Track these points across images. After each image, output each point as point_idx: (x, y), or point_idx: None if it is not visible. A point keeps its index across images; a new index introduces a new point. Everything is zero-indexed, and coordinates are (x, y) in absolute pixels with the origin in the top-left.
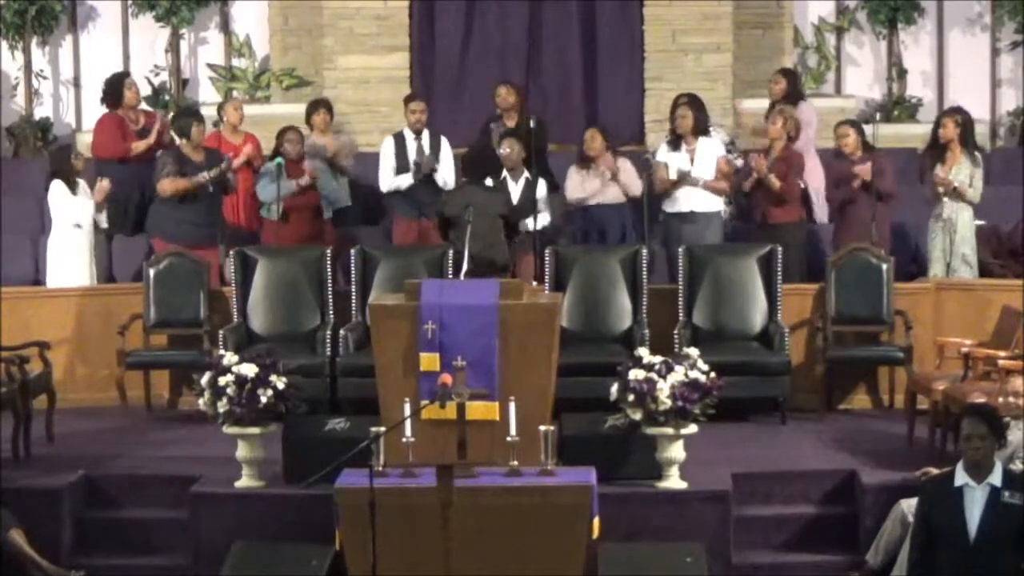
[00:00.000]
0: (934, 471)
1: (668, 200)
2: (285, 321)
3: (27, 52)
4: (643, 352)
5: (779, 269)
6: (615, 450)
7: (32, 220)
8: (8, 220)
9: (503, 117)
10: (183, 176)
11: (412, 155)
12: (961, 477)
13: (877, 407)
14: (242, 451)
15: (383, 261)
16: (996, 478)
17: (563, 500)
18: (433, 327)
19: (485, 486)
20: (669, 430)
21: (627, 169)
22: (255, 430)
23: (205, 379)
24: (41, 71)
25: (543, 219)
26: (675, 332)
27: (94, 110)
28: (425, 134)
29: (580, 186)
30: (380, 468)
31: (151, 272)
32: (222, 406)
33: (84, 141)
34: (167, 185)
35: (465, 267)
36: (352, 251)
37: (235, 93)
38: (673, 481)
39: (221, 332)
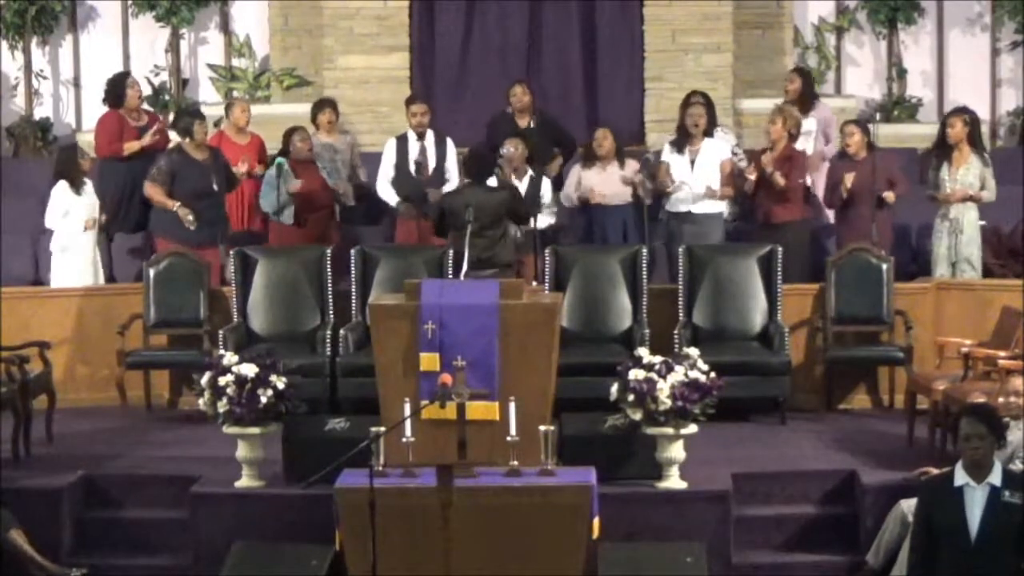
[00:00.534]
0: (933, 470)
1: (669, 200)
2: (285, 321)
3: (27, 52)
4: (643, 352)
5: (779, 269)
6: (615, 450)
7: (32, 220)
8: (8, 220)
9: (515, 116)
10: (173, 179)
11: (414, 156)
12: (961, 477)
13: (877, 407)
14: (242, 451)
15: (383, 261)
16: (996, 478)
17: (563, 500)
18: (433, 327)
19: (485, 486)
20: (669, 430)
21: (633, 173)
22: (255, 430)
23: (205, 379)
24: (41, 71)
25: (548, 218)
26: (675, 332)
27: (94, 110)
28: (430, 136)
29: (578, 185)
30: (380, 468)
31: (151, 272)
32: (222, 406)
33: (84, 141)
34: (149, 190)
35: (465, 267)
36: (352, 251)
37: (235, 93)
38: (673, 481)
39: (221, 332)
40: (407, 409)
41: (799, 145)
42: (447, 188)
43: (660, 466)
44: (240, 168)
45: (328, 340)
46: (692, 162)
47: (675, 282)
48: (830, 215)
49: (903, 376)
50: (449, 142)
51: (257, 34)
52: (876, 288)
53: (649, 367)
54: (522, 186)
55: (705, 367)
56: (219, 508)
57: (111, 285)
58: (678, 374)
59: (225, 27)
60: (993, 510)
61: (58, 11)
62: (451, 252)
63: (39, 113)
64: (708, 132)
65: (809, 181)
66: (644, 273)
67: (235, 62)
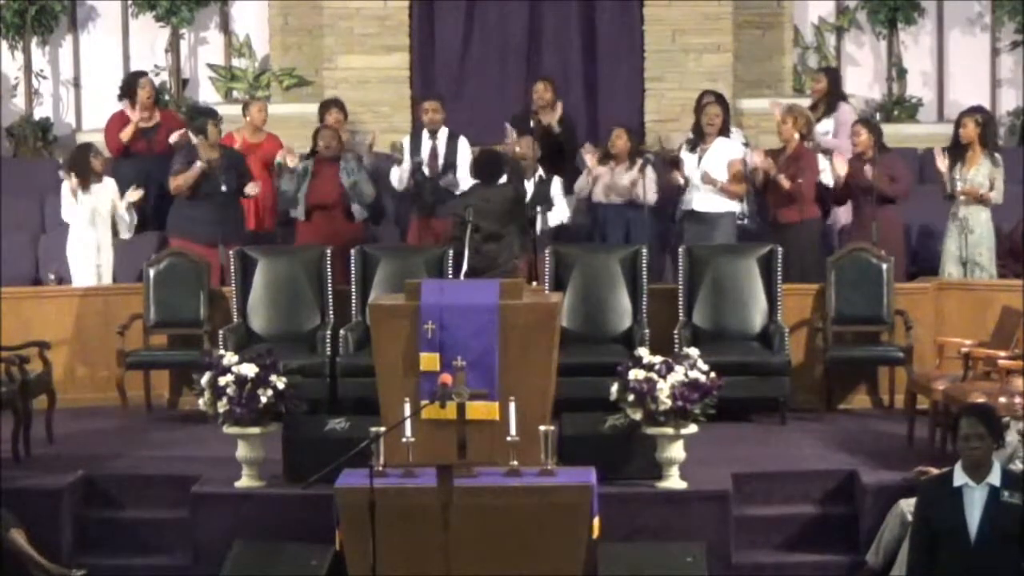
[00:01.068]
0: (931, 470)
1: (682, 200)
2: (285, 321)
3: (27, 52)
4: (643, 352)
5: (779, 269)
6: (615, 450)
7: (32, 220)
8: (8, 220)
9: (537, 113)
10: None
11: (425, 153)
12: (960, 477)
13: (877, 407)
14: (242, 451)
15: (383, 261)
16: (995, 478)
17: (563, 500)
18: (433, 327)
19: (485, 486)
20: (669, 430)
21: (648, 177)
22: (255, 430)
23: (205, 379)
24: (41, 71)
25: (559, 216)
26: (675, 332)
27: (94, 110)
28: (442, 134)
29: (586, 180)
30: (380, 468)
31: (151, 272)
32: (222, 406)
33: (83, 141)
34: (173, 182)
35: (465, 267)
36: (352, 251)
37: (235, 93)
38: (673, 481)
39: (221, 332)
40: (407, 409)
41: (829, 143)
42: (448, 182)
43: (660, 466)
44: (252, 190)
45: (328, 340)
46: (699, 159)
47: (675, 282)
48: (840, 216)
49: (903, 376)
50: (462, 140)
51: (257, 34)
52: (876, 288)
53: (649, 367)
54: (529, 185)
55: (705, 367)
56: (219, 508)
57: (111, 285)
58: (678, 374)
59: (225, 27)
60: (992, 510)
61: (58, 11)
62: (451, 253)
63: (39, 113)
64: (724, 132)
65: (829, 179)
66: (644, 273)
67: (235, 62)
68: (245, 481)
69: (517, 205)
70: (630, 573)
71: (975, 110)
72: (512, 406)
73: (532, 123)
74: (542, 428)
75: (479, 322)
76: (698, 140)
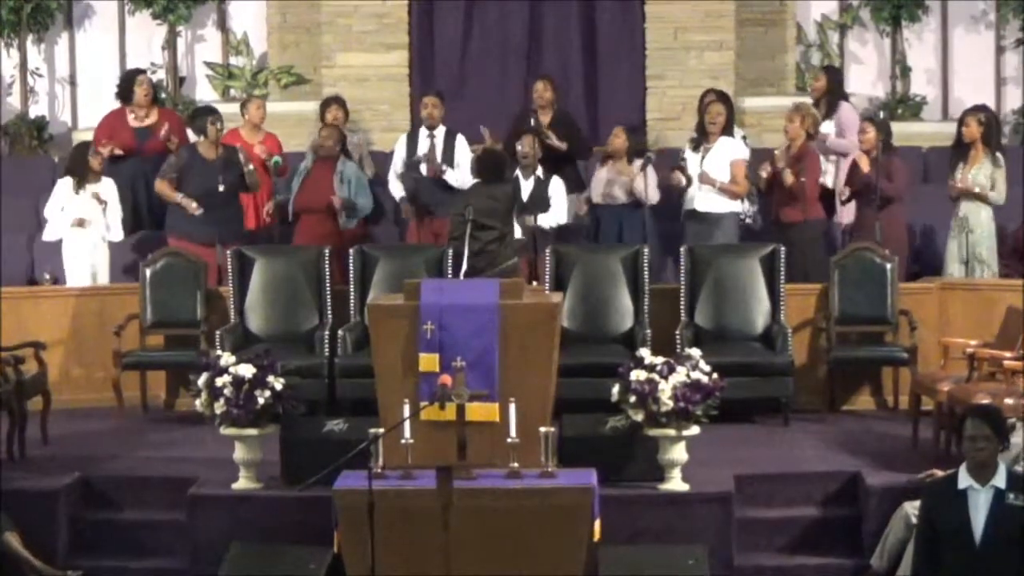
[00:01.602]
0: (939, 473)
1: (685, 200)
2: (283, 321)
3: (22, 50)
4: (644, 353)
5: (782, 269)
6: (616, 452)
7: (28, 219)
8: (3, 219)
9: (538, 112)
10: (182, 176)
11: (423, 152)
12: (965, 479)
13: (881, 408)
14: (239, 453)
15: (382, 261)
16: (1000, 480)
17: (564, 502)
18: (432, 327)
19: (485, 488)
20: (671, 431)
21: (650, 176)
22: (252, 431)
23: (202, 380)
24: (36, 69)
25: (556, 217)
26: (677, 332)
27: (90, 108)
28: (440, 132)
29: (594, 187)
30: (379, 470)
31: (148, 272)
32: (219, 407)
33: (79, 139)
34: (159, 186)
35: (465, 266)
36: (351, 251)
37: (232, 91)
38: (675, 483)
39: (218, 332)
40: (406, 410)
41: (839, 145)
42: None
43: (662, 468)
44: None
45: (326, 341)
46: (702, 159)
47: (677, 282)
48: (844, 216)
49: (907, 377)
50: (460, 138)
51: (255, 32)
52: (880, 288)
53: (651, 368)
54: (527, 184)
55: (707, 368)
56: (216, 510)
57: (107, 285)
58: (680, 375)
59: (222, 24)
60: (998, 513)
61: (54, 8)
62: (450, 252)
63: (35, 111)
64: (727, 130)
65: (831, 181)
66: (646, 273)
67: (232, 60)
68: (242, 483)
69: (511, 204)
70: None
71: (978, 109)
72: (512, 407)
73: (532, 121)
74: (542, 429)
75: (479, 322)
76: (701, 139)
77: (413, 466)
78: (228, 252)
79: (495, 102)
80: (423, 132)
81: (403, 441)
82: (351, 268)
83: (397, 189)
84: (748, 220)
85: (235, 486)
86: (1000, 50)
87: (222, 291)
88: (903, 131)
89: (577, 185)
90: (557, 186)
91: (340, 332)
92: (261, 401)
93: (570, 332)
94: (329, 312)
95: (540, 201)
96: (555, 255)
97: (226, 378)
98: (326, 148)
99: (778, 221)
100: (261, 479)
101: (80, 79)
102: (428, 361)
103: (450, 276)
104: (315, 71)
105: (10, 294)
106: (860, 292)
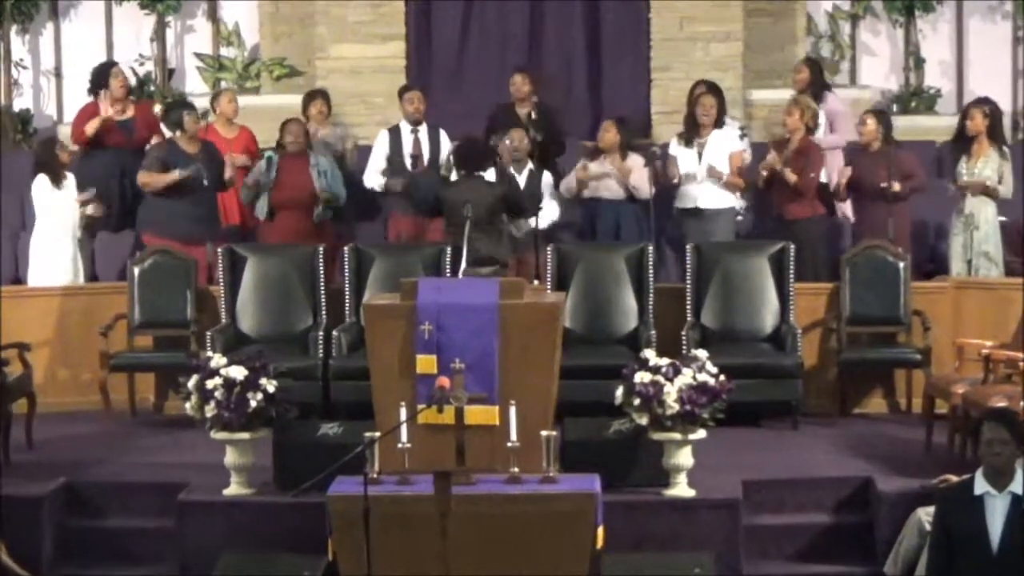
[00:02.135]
0: (953, 478)
1: (678, 196)
2: (276, 322)
3: (6, 41)
4: (649, 354)
5: (791, 267)
6: (620, 456)
7: (12, 216)
8: None
9: (515, 106)
10: (164, 170)
11: (408, 149)
12: (981, 485)
13: (893, 411)
14: (231, 457)
15: (378, 259)
16: (1017, 486)
17: (566, 508)
18: (430, 328)
19: (484, 494)
20: (676, 435)
21: (639, 169)
22: (244, 435)
23: (192, 382)
24: (21, 60)
25: (551, 214)
26: (683, 333)
27: (76, 101)
28: (423, 128)
29: (573, 179)
30: (374, 475)
31: (136, 270)
32: (210, 410)
33: (65, 133)
34: (142, 177)
35: (464, 265)
36: (345, 249)
37: (223, 83)
38: (681, 488)
39: (209, 333)
40: (403, 413)
41: (828, 143)
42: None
43: (667, 473)
44: (228, 169)
45: (320, 342)
46: (700, 154)
47: (683, 281)
48: (848, 211)
49: (920, 379)
50: (443, 134)
51: (246, 22)
52: (892, 287)
53: (655, 370)
54: (522, 179)
55: (714, 370)
56: (207, 517)
57: (94, 284)
58: (686, 377)
59: (213, 15)
60: (1014, 519)
61: None
62: (449, 249)
63: (19, 104)
64: (718, 122)
65: (823, 176)
66: (651, 272)
67: (223, 51)
68: (234, 488)
69: (514, 195)
70: None
71: (983, 101)
72: (512, 410)
73: (526, 115)
74: (544, 433)
75: (478, 323)
76: (692, 133)
77: (410, 471)
78: (219, 250)
79: (494, 94)
80: (406, 128)
81: (400, 445)
82: (346, 267)
83: (376, 183)
84: (739, 216)
85: (226, 492)
86: (1017, 41)
87: (212, 290)
88: (916, 125)
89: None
90: (548, 182)
91: (335, 333)
92: (253, 404)
93: (572, 333)
94: (323, 312)
95: (535, 196)
96: (557, 253)
97: (217, 380)
98: (299, 144)
99: (781, 218)
100: (253, 484)
101: (66, 71)
102: (425, 363)
103: (448, 275)
104: (308, 63)
105: None
106: (872, 291)
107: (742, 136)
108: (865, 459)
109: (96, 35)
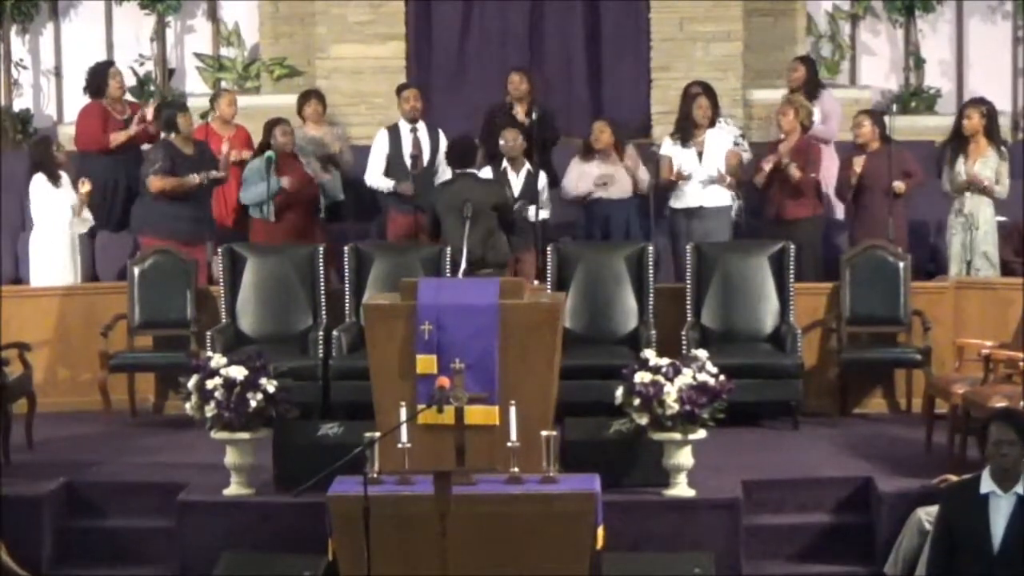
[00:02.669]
0: (953, 478)
1: (674, 195)
2: (276, 322)
3: (6, 41)
4: (649, 354)
5: (791, 267)
6: (620, 456)
7: (12, 216)
8: None
9: (513, 106)
10: (173, 172)
11: (408, 148)
12: (987, 484)
13: (894, 411)
14: (231, 457)
15: (378, 259)
16: (1022, 487)
17: (566, 508)
18: (430, 328)
19: (484, 494)
20: (676, 435)
21: (633, 158)
22: (244, 435)
23: (192, 382)
24: (20, 60)
25: (544, 212)
26: (683, 333)
27: (76, 101)
28: (422, 127)
29: (579, 181)
30: (374, 475)
31: (136, 270)
32: (210, 410)
33: (66, 133)
34: (156, 183)
35: (464, 265)
36: (345, 249)
37: (223, 83)
38: (680, 489)
39: (209, 333)
40: (403, 414)
41: (817, 131)
42: (438, 179)
43: (667, 473)
44: (224, 152)
45: (320, 342)
46: (700, 154)
47: (682, 281)
48: (839, 210)
49: (921, 379)
50: (441, 133)
51: (246, 22)
52: (892, 287)
53: (656, 370)
54: (519, 179)
55: (714, 370)
56: (207, 517)
57: (94, 284)
58: (686, 377)
59: (213, 15)
60: (1018, 520)
61: None
62: (448, 249)
63: (19, 104)
64: (712, 122)
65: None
66: (651, 272)
67: (223, 51)
68: (234, 489)
69: (505, 202)
70: None
71: (979, 101)
72: (513, 410)
73: (527, 114)
74: (544, 433)
75: (478, 323)
76: (688, 133)
77: (410, 471)
78: (219, 250)
79: (494, 94)
80: (404, 127)
81: (400, 445)
82: (346, 267)
83: (381, 183)
84: (734, 216)
85: (226, 492)
86: (1017, 41)
87: (212, 290)
88: (916, 124)
89: (554, 180)
90: (543, 181)
91: (335, 333)
92: (253, 404)
93: (572, 333)
94: (323, 312)
95: (532, 195)
96: (557, 253)
97: (217, 380)
98: (288, 146)
99: (779, 217)
100: (253, 485)
101: (66, 71)
102: (426, 363)
103: (448, 275)
104: (308, 63)
105: None
106: (872, 291)
107: (736, 143)
108: (865, 459)
109: (96, 35)
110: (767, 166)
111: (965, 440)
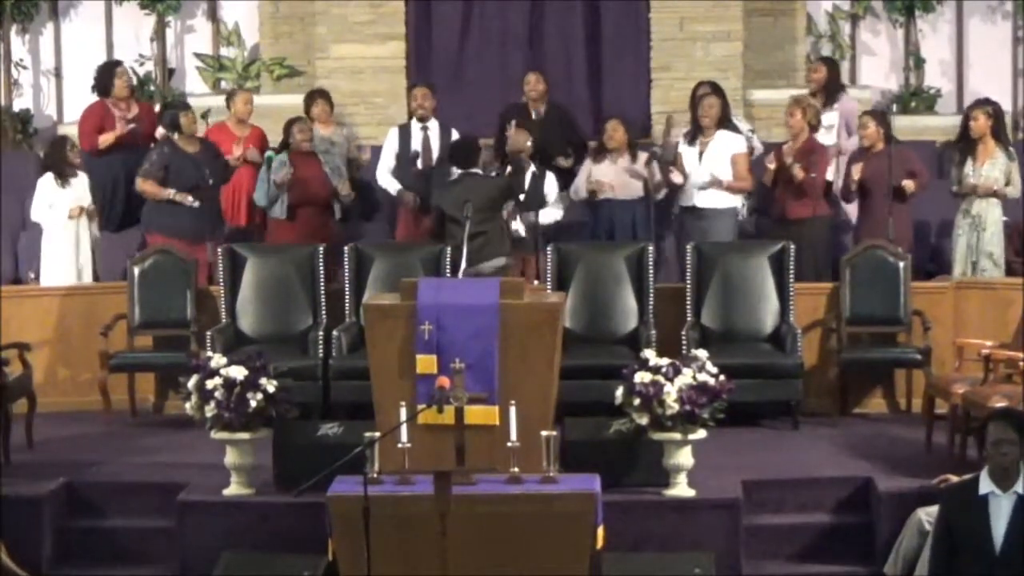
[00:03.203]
0: (953, 478)
1: (681, 195)
2: (276, 322)
3: (6, 41)
4: (649, 354)
5: (791, 267)
6: (620, 456)
7: (12, 216)
8: None
9: (527, 106)
10: (165, 174)
11: (416, 146)
12: (986, 484)
13: (894, 411)
14: (231, 457)
15: (378, 259)
16: (1022, 486)
17: (566, 508)
18: (430, 328)
19: (484, 494)
20: (676, 435)
21: (654, 170)
22: (244, 435)
23: (192, 382)
24: (21, 60)
25: (554, 214)
26: (683, 333)
27: (76, 101)
28: (433, 125)
29: (588, 179)
30: (374, 475)
31: (136, 270)
32: (210, 410)
33: (69, 132)
34: (140, 184)
35: (464, 264)
36: (345, 248)
37: (223, 83)
38: (680, 489)
39: (209, 333)
40: (403, 414)
41: (821, 138)
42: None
43: (667, 473)
44: (236, 153)
45: (320, 341)
46: (700, 154)
47: (683, 281)
48: (851, 212)
49: (921, 379)
50: (454, 132)
51: (246, 22)
52: (893, 287)
53: (656, 370)
54: (525, 180)
55: (714, 370)
56: (207, 517)
57: (94, 284)
58: (686, 377)
59: (213, 15)
60: (1018, 520)
61: None
62: (448, 249)
63: (19, 104)
64: (723, 122)
65: (830, 175)
66: (651, 272)
67: (223, 51)
68: (234, 489)
69: (513, 187)
70: None
71: (985, 102)
72: (513, 410)
73: (534, 114)
74: (544, 433)
75: (478, 323)
76: (697, 133)
77: (410, 471)
78: (219, 250)
79: (494, 94)
80: (415, 125)
81: (400, 445)
82: (346, 267)
83: (391, 184)
84: (740, 216)
85: (226, 492)
86: (1017, 41)
87: (212, 290)
88: (916, 125)
89: (568, 182)
90: (551, 182)
91: (335, 333)
92: (253, 404)
93: (572, 333)
94: (323, 312)
95: (538, 197)
96: (557, 253)
97: (217, 380)
98: (305, 144)
99: (784, 217)
100: (253, 485)
101: (66, 71)
102: (426, 363)
103: (448, 274)
104: (309, 63)
105: None
106: (872, 291)
107: (751, 131)
108: (865, 459)
109: (96, 35)
110: (771, 166)
111: (965, 440)
